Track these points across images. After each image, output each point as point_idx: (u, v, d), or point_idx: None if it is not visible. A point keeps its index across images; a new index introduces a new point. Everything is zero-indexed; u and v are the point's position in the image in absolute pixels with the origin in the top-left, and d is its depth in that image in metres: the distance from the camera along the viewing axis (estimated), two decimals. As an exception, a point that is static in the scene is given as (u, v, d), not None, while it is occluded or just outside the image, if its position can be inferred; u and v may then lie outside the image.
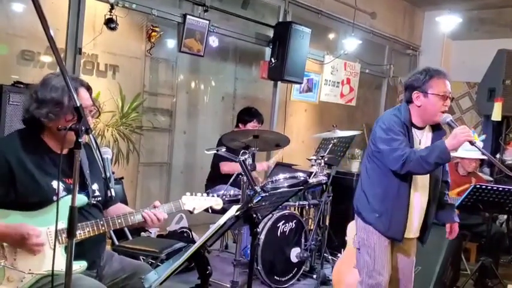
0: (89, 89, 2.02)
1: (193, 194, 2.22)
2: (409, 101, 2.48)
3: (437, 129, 2.55)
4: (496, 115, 5.43)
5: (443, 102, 2.41)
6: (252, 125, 4.23)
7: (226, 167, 4.13)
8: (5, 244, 1.81)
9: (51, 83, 1.91)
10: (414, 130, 2.47)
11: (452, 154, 2.42)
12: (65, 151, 1.90)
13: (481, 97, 6.01)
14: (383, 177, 2.45)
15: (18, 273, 1.81)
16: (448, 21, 6.20)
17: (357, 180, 4.59)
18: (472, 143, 2.33)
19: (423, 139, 2.50)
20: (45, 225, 1.85)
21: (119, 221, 2.00)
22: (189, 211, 2.20)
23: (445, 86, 2.42)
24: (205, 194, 2.26)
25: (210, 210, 3.67)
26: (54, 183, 1.90)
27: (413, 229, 2.54)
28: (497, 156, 5.66)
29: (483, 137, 4.71)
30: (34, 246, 1.79)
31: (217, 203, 2.27)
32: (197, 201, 2.21)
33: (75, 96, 1.46)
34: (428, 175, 2.50)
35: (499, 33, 6.77)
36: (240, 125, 4.30)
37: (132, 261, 2.20)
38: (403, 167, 2.30)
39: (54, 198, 1.88)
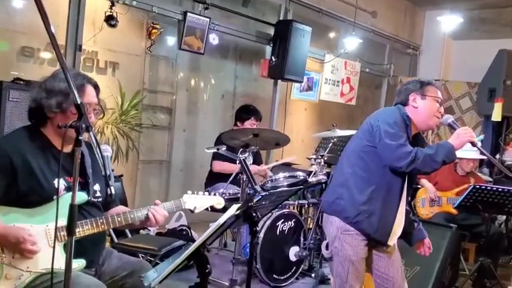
0: (96, 87, 2.03)
1: (195, 193, 2.18)
2: (405, 103, 2.44)
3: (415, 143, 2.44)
4: (496, 115, 5.42)
5: (438, 108, 2.41)
6: (249, 123, 4.22)
7: (218, 166, 4.14)
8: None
9: (59, 75, 1.93)
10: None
11: None
12: (68, 149, 1.90)
13: (482, 97, 6.01)
14: (372, 175, 2.33)
15: (16, 271, 1.80)
16: (449, 21, 6.20)
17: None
18: (473, 144, 2.32)
19: None
20: (44, 223, 1.84)
21: (119, 219, 1.99)
22: (190, 210, 2.17)
23: (440, 94, 2.44)
24: (206, 193, 2.21)
25: (209, 209, 3.68)
26: (56, 182, 1.89)
27: (396, 233, 2.45)
28: (497, 156, 5.65)
29: (481, 137, 4.70)
30: (26, 252, 1.78)
31: (218, 202, 2.22)
32: (198, 200, 2.17)
33: (75, 93, 1.46)
34: (406, 182, 2.41)
35: (500, 33, 6.77)
36: (238, 123, 4.29)
37: (131, 259, 2.19)
38: (411, 164, 2.21)
39: (55, 197, 1.86)
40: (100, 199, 2.06)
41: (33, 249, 1.79)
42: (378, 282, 2.50)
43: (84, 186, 1.98)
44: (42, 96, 1.90)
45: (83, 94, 1.92)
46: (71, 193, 1.78)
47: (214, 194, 2.24)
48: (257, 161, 4.21)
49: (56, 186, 1.87)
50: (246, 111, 4.31)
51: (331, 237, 2.43)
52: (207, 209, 2.26)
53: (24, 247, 1.77)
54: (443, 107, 2.48)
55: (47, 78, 1.96)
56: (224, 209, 1.97)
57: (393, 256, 2.50)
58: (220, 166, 4.12)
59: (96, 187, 2.05)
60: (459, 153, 4.00)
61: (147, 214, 2.04)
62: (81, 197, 1.92)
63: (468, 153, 4.03)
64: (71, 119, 1.82)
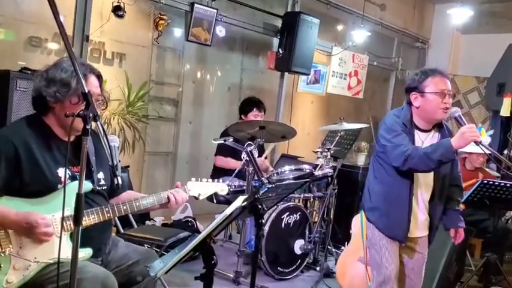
0: (99, 77, 2.01)
1: (199, 180, 2.22)
2: (409, 103, 2.45)
3: (440, 128, 2.47)
4: (505, 110, 5.38)
5: (443, 99, 2.34)
6: (253, 114, 4.20)
7: (219, 161, 4.12)
8: (10, 232, 1.80)
9: (62, 64, 1.93)
10: (417, 132, 2.43)
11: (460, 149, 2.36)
12: (72, 138, 1.89)
13: (490, 92, 5.96)
14: (387, 176, 2.44)
15: (24, 262, 1.80)
16: (458, 14, 6.12)
17: (362, 174, 4.60)
18: (477, 143, 2.28)
19: (427, 141, 2.43)
20: (49, 212, 1.84)
21: (124, 207, 1.99)
22: (195, 197, 2.20)
23: (443, 83, 2.36)
24: (210, 180, 2.24)
25: (214, 201, 3.68)
26: (60, 171, 1.89)
27: (418, 228, 2.50)
28: (505, 152, 5.60)
29: (491, 132, 4.65)
30: (42, 235, 1.78)
31: (222, 188, 2.26)
32: (202, 187, 2.20)
33: (83, 81, 1.45)
34: (433, 174, 2.43)
35: (510, 28, 6.68)
36: (243, 116, 4.28)
37: (138, 247, 2.20)
38: (405, 163, 2.26)
39: (59, 186, 1.87)
40: (105, 187, 2.06)
41: (49, 231, 1.78)
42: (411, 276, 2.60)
43: (88, 175, 1.97)
44: (42, 85, 1.90)
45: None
46: (75, 182, 1.80)
47: (218, 181, 2.26)
48: (260, 154, 4.20)
49: (60, 175, 1.87)
50: (248, 103, 4.30)
51: (367, 227, 2.58)
52: (212, 200, 2.27)
53: (39, 231, 1.76)
54: (451, 101, 2.44)
55: (50, 67, 1.95)
56: (229, 202, 1.97)
57: (415, 254, 2.57)
58: (222, 161, 4.11)
59: (100, 175, 2.05)
60: (468, 148, 3.97)
61: (167, 197, 2.08)
62: (86, 185, 1.91)
63: (477, 147, 3.98)
64: (69, 109, 1.83)
